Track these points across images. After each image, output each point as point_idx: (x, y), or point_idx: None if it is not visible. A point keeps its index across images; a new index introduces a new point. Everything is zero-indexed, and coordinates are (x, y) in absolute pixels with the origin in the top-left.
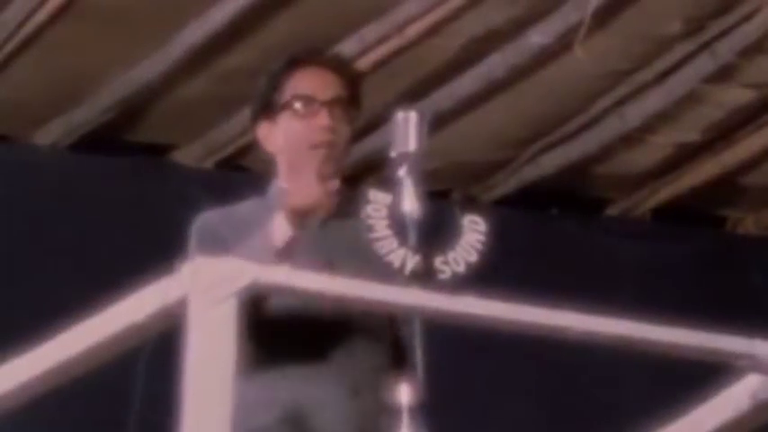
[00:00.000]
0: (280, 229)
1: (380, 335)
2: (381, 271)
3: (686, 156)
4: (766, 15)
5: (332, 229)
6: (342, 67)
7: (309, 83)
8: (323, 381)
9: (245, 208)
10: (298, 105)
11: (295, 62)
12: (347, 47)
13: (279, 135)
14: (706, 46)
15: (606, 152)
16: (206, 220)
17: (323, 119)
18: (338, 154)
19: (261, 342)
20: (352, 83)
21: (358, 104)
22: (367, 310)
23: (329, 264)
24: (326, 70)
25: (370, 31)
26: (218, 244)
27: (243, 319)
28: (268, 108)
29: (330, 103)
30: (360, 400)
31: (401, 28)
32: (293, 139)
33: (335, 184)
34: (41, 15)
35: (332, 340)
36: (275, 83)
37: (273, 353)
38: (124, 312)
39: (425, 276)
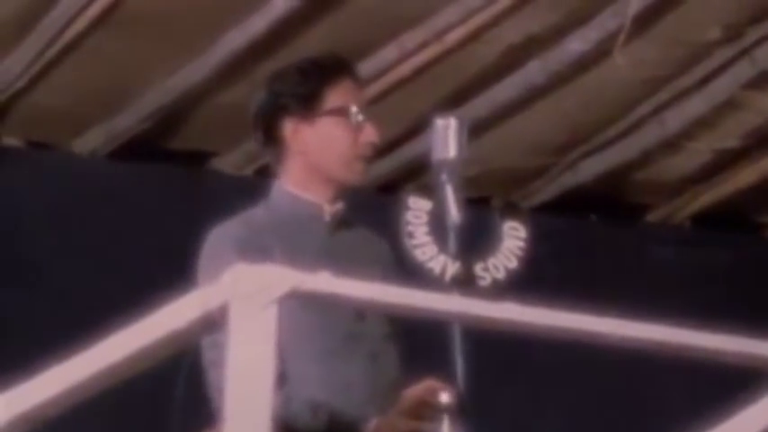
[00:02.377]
0: None
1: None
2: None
3: (725, 162)
4: None
5: (340, 238)
6: (361, 81)
7: (354, 96)
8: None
9: (257, 215)
10: (350, 115)
11: (341, 70)
12: (387, 53)
13: (313, 137)
14: (745, 52)
15: (646, 158)
16: (226, 231)
17: (371, 134)
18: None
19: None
20: None
21: None
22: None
23: (339, 269)
24: (359, 82)
25: (410, 38)
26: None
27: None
28: (304, 108)
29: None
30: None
31: (440, 35)
32: (336, 147)
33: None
34: (81, 23)
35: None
36: (316, 84)
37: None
38: (165, 319)
39: (465, 283)
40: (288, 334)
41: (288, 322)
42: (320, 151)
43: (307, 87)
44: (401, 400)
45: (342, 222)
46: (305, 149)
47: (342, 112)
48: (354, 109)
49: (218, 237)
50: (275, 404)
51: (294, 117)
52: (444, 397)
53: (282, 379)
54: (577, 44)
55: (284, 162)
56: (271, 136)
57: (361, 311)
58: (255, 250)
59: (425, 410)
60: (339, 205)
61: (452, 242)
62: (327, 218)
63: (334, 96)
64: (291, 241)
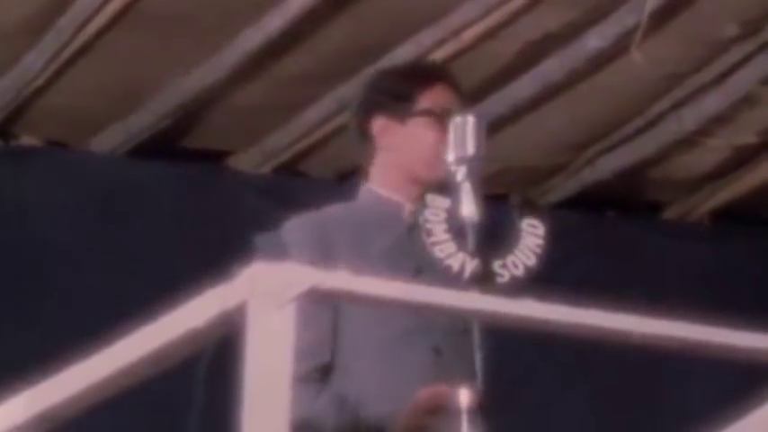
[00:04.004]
0: None
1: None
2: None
3: (744, 158)
4: None
5: (415, 236)
6: (461, 91)
7: (447, 98)
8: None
9: (332, 213)
10: (439, 117)
11: (438, 76)
12: (404, 51)
13: (404, 137)
14: (763, 48)
15: (663, 155)
16: (290, 227)
17: None
18: None
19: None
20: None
21: None
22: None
23: (418, 270)
24: (456, 91)
25: (427, 36)
26: (299, 252)
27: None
28: (397, 107)
29: None
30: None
31: (458, 32)
32: (423, 146)
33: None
34: (98, 22)
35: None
36: (411, 85)
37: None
38: (183, 318)
39: (484, 280)
40: (343, 324)
41: (344, 312)
42: (407, 150)
43: (401, 87)
44: (417, 398)
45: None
46: (392, 147)
47: (430, 113)
48: (443, 111)
49: (286, 231)
50: (304, 398)
51: (385, 114)
52: (464, 398)
53: (325, 371)
54: (595, 41)
55: (373, 160)
56: (362, 132)
57: None
58: (317, 247)
59: (439, 410)
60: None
61: (471, 239)
62: (407, 216)
63: (427, 98)
64: (366, 239)
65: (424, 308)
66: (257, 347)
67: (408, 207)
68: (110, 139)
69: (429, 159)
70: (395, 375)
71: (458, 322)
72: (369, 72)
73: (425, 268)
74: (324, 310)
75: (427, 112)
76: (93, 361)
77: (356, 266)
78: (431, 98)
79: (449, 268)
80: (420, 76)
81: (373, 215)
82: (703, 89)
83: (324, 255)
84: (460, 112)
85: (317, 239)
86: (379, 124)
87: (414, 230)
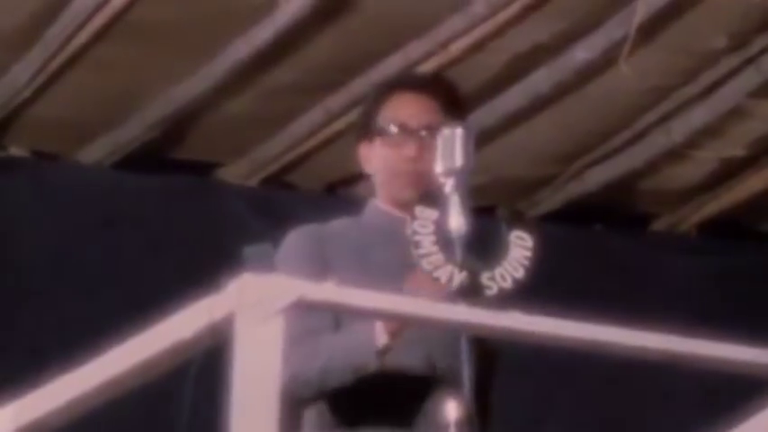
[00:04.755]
0: (380, 334)
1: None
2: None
3: (732, 170)
4: None
5: None
6: (439, 90)
7: (403, 110)
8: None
9: (338, 225)
10: (390, 133)
11: (393, 86)
12: (392, 63)
13: (375, 157)
14: (751, 60)
15: (651, 167)
16: (297, 237)
17: (409, 149)
18: (426, 181)
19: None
20: (451, 103)
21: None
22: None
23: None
24: (423, 95)
25: (415, 48)
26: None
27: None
28: (366, 129)
29: (420, 132)
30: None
31: (445, 44)
32: (383, 164)
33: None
34: (86, 33)
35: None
36: (374, 105)
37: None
38: (171, 329)
39: (472, 292)
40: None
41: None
42: (378, 171)
43: (367, 109)
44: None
45: None
46: (373, 171)
47: (381, 131)
48: (392, 126)
49: (288, 241)
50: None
51: (364, 140)
52: (452, 410)
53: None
54: (583, 53)
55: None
56: (359, 159)
57: None
58: (314, 259)
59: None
60: None
61: (459, 251)
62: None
63: (384, 114)
64: (366, 253)
65: (411, 320)
66: (245, 358)
67: (409, 222)
68: (97, 151)
69: (389, 177)
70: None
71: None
72: (356, 84)
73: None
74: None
75: (379, 131)
76: (82, 372)
77: (354, 279)
78: (387, 113)
79: (436, 280)
80: (379, 92)
81: (375, 229)
82: (691, 101)
83: (321, 266)
84: (424, 117)
85: (315, 251)
86: (362, 150)
87: None
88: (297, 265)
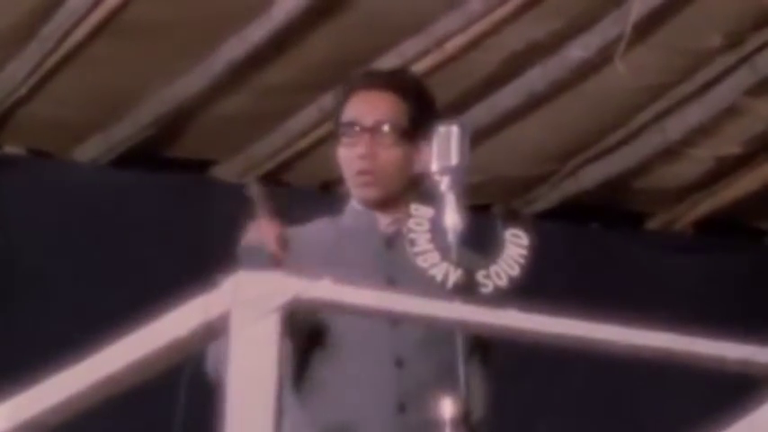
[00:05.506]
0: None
1: (431, 351)
2: (440, 290)
3: (727, 169)
4: None
5: (396, 248)
6: (398, 84)
7: (356, 109)
8: (368, 397)
9: (313, 228)
10: (343, 133)
11: (351, 85)
12: (387, 62)
13: (339, 159)
14: (746, 59)
15: (647, 166)
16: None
17: (359, 147)
18: (386, 179)
19: (305, 359)
20: (415, 96)
21: (422, 119)
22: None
23: (390, 281)
24: (381, 91)
25: (410, 46)
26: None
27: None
28: (336, 132)
29: (371, 130)
30: (405, 415)
31: (441, 42)
32: (342, 164)
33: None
34: (81, 31)
35: (379, 357)
36: (338, 106)
37: (317, 370)
38: (167, 327)
39: (468, 290)
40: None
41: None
42: (343, 172)
43: (334, 110)
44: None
45: (399, 236)
46: (342, 172)
47: (336, 132)
48: (342, 126)
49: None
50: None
51: (336, 139)
52: (447, 408)
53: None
54: (578, 51)
55: None
56: None
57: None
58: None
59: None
60: (395, 218)
61: (455, 249)
62: (384, 229)
63: (343, 114)
64: (339, 253)
65: (407, 317)
66: (240, 356)
67: (384, 220)
68: (93, 149)
69: (348, 177)
70: (352, 385)
71: (427, 332)
72: None
73: (400, 280)
74: None
75: (336, 132)
76: (78, 370)
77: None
78: (345, 112)
79: (432, 278)
80: (342, 92)
81: (350, 229)
82: (687, 100)
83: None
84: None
85: (296, 252)
86: (337, 152)
87: (392, 242)
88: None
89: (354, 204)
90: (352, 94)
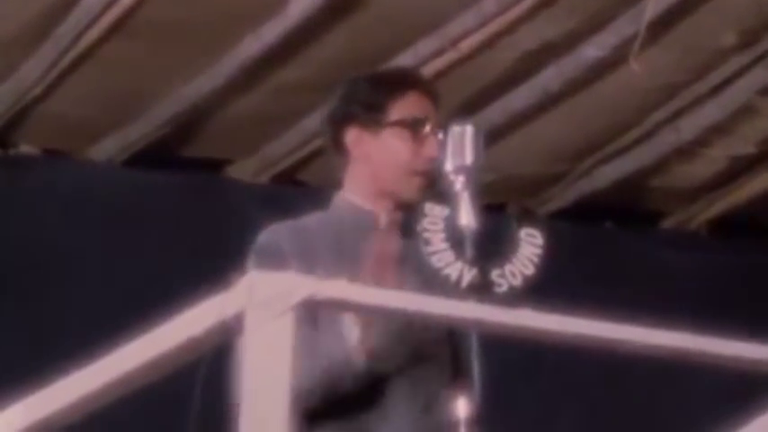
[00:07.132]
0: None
1: (445, 358)
2: (444, 288)
3: (741, 168)
4: None
5: (400, 248)
6: (437, 97)
7: (423, 108)
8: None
9: (310, 222)
10: (412, 128)
11: (408, 84)
12: (402, 60)
13: (377, 149)
14: (761, 58)
15: (661, 165)
16: (271, 235)
17: (431, 149)
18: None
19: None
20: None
21: None
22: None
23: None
24: (430, 98)
25: (425, 45)
26: (282, 260)
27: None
28: (369, 117)
29: (438, 133)
30: (431, 415)
31: (456, 41)
32: (395, 159)
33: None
34: (96, 31)
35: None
36: (383, 95)
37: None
38: (181, 326)
39: (482, 290)
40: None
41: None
42: (381, 162)
43: (373, 96)
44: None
45: (406, 232)
46: (366, 158)
47: (403, 123)
48: (415, 121)
49: (268, 241)
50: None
51: (358, 125)
52: (462, 407)
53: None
54: (593, 50)
55: (347, 170)
56: (337, 142)
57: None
58: (301, 255)
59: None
60: (396, 216)
61: (469, 249)
62: (382, 227)
63: (400, 108)
64: (343, 250)
65: (422, 317)
66: (255, 356)
67: (383, 218)
68: (108, 148)
69: (400, 173)
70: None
71: (435, 330)
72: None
73: (404, 279)
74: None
75: (399, 123)
76: (92, 369)
77: (336, 275)
78: (403, 108)
79: (447, 278)
80: (392, 84)
81: (348, 224)
82: (701, 99)
83: (308, 264)
84: (434, 121)
85: (300, 247)
86: (352, 135)
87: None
88: (281, 261)
89: (350, 197)
90: (410, 92)
